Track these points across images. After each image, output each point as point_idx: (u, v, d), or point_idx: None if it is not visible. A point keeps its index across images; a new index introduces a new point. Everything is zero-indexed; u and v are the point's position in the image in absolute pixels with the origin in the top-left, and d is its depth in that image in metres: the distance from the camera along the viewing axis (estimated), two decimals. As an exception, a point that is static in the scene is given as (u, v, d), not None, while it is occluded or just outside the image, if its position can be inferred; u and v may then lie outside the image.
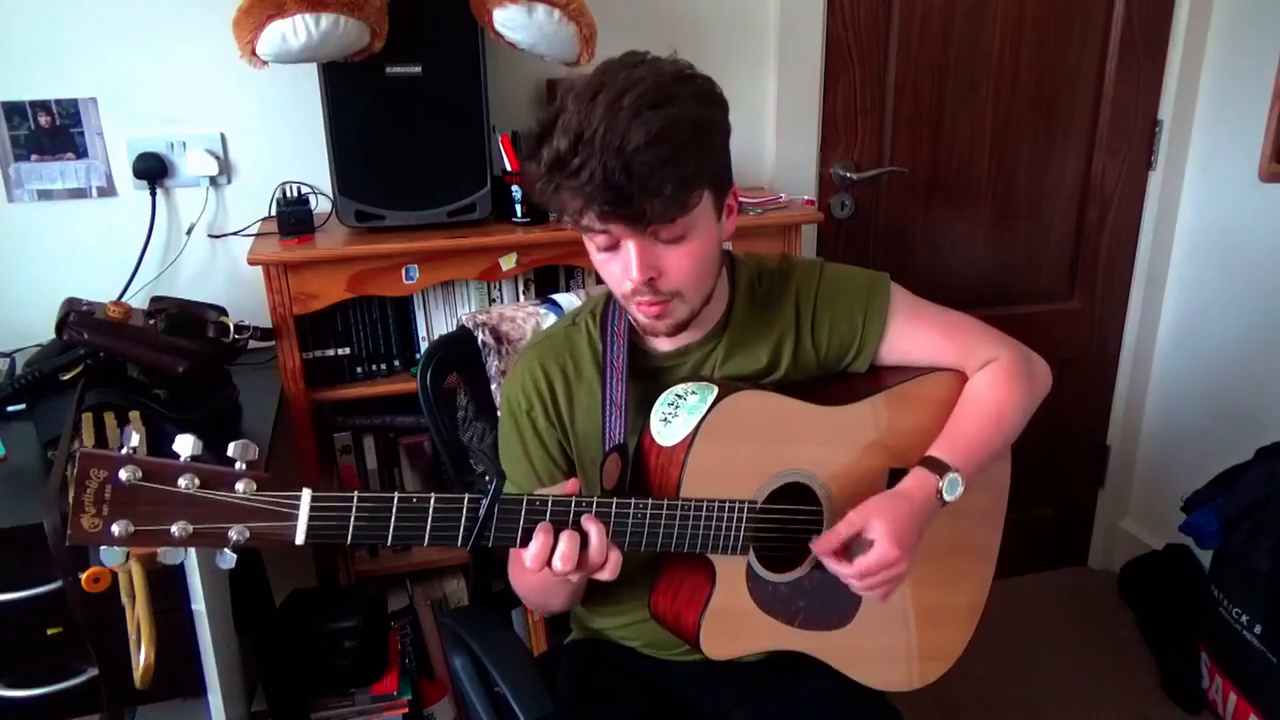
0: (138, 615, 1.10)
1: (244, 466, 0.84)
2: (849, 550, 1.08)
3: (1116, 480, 2.60)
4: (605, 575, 0.99)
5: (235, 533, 0.83)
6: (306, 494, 0.85)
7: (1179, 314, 2.40)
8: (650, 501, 1.01)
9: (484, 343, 1.42)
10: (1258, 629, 1.91)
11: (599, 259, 1.07)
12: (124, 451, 0.80)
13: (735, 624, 1.10)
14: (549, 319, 1.45)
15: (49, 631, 1.32)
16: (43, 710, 1.34)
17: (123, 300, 1.67)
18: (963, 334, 1.24)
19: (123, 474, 0.79)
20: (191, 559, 1.35)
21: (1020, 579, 2.53)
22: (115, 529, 0.79)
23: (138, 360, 1.48)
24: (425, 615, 1.89)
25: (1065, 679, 2.21)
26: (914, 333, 1.21)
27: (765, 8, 1.99)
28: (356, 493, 0.87)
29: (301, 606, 1.70)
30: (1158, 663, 2.24)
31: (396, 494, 0.89)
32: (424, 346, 1.77)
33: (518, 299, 1.79)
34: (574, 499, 0.97)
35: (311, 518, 0.85)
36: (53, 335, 1.53)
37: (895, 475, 1.16)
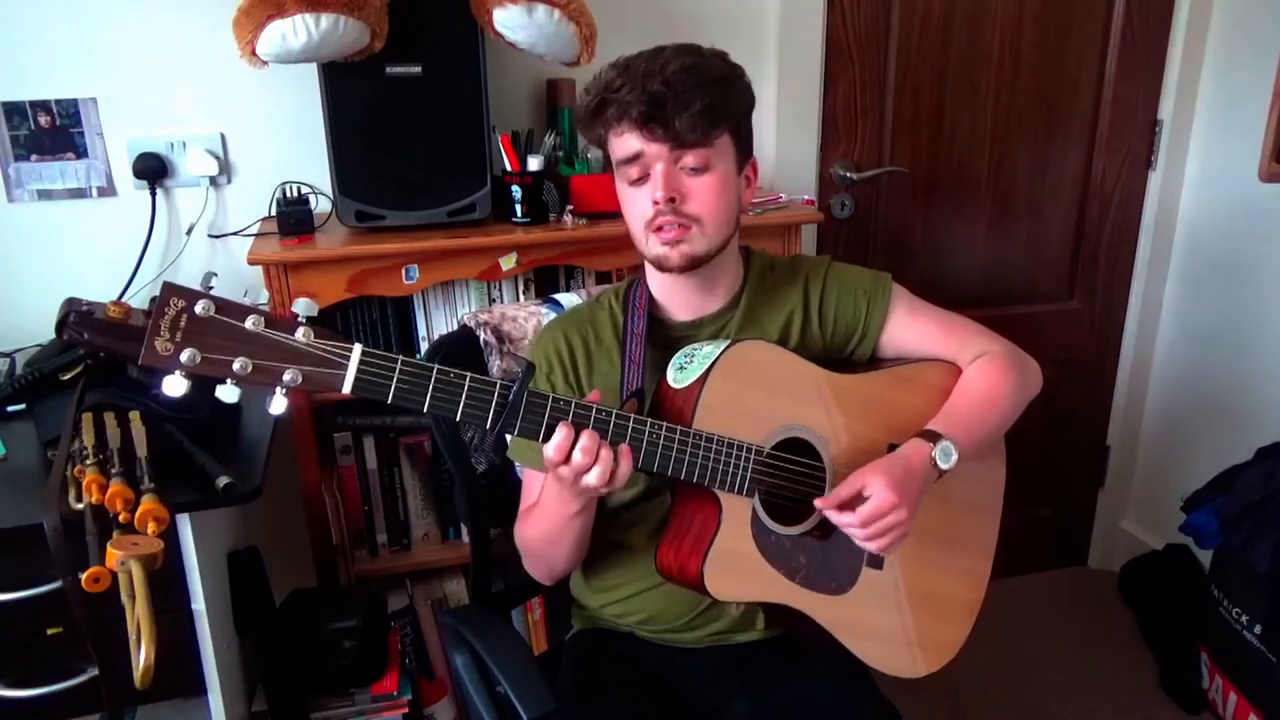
0: (138, 615, 1.10)
1: (304, 319, 0.91)
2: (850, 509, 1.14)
3: (1116, 480, 2.60)
4: (617, 481, 1.04)
5: (289, 374, 0.90)
6: (358, 348, 0.92)
7: (1179, 314, 2.40)
8: (665, 425, 1.08)
9: (486, 342, 1.42)
10: (1258, 629, 1.91)
11: (628, 195, 1.17)
12: (203, 288, 0.88)
13: (738, 566, 1.14)
14: (550, 318, 1.45)
15: (49, 631, 1.32)
16: (43, 710, 1.34)
17: (123, 300, 1.66)
18: (959, 329, 1.32)
19: (199, 306, 0.87)
20: (191, 559, 1.35)
21: (1020, 578, 2.53)
22: (184, 356, 0.87)
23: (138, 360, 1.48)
24: (425, 615, 1.89)
25: (1065, 679, 2.21)
26: (913, 325, 1.30)
27: (765, 8, 1.99)
28: (402, 357, 0.94)
29: (301, 606, 1.69)
30: (1158, 662, 2.24)
31: (437, 365, 0.96)
32: (424, 346, 1.77)
33: (518, 299, 1.79)
34: (595, 407, 1.04)
35: (359, 370, 0.91)
36: (53, 335, 1.53)
37: (892, 451, 1.21)
